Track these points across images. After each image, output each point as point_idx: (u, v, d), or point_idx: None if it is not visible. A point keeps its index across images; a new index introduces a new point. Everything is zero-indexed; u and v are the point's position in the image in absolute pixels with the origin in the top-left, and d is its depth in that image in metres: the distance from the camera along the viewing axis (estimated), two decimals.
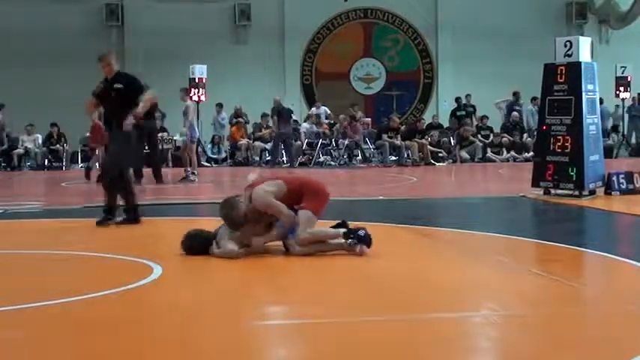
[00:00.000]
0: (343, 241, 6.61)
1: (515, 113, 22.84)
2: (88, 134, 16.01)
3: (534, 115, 22.45)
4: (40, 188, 16.00)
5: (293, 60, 25.71)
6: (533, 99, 22.66)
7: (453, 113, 24.08)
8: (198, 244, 6.64)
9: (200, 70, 21.50)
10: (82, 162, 21.73)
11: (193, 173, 15.94)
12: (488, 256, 6.83)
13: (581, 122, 11.19)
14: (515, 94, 23.20)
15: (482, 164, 21.28)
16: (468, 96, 24.14)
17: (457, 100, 24.29)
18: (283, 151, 21.27)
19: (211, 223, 7.15)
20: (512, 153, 22.00)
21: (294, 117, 22.29)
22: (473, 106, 24.01)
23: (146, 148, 15.73)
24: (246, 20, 25.00)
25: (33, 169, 20.91)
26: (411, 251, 7.05)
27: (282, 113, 20.74)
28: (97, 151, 16.12)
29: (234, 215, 6.58)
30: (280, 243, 6.85)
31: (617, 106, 24.39)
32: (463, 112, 23.74)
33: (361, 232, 6.60)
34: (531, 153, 18.62)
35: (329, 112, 23.27)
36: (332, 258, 6.51)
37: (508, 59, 25.02)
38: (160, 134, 18.48)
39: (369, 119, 23.66)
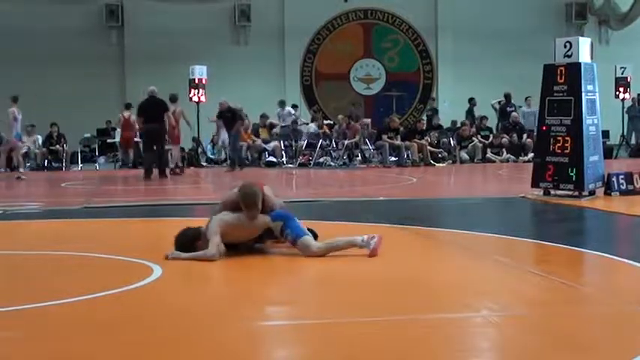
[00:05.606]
0: (359, 238, 6.52)
1: (514, 114, 22.80)
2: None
3: (526, 115, 22.45)
4: (40, 189, 15.99)
5: (293, 60, 25.70)
6: (526, 98, 22.63)
7: (470, 112, 23.85)
8: (186, 242, 6.58)
9: (200, 71, 21.52)
10: (81, 162, 21.72)
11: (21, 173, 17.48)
12: (488, 256, 6.83)
13: (580, 123, 11.19)
14: (507, 96, 23.12)
15: (482, 165, 21.26)
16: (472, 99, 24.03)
17: (470, 100, 23.96)
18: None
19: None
20: (510, 155, 21.89)
21: (291, 116, 22.23)
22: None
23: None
24: (246, 20, 25.01)
25: (33, 170, 20.87)
26: (411, 251, 7.05)
27: (224, 116, 19.70)
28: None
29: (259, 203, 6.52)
30: (280, 243, 6.86)
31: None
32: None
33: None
34: (530, 155, 18.57)
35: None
36: (332, 259, 6.51)
37: (508, 60, 25.00)
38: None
39: (369, 120, 23.63)
